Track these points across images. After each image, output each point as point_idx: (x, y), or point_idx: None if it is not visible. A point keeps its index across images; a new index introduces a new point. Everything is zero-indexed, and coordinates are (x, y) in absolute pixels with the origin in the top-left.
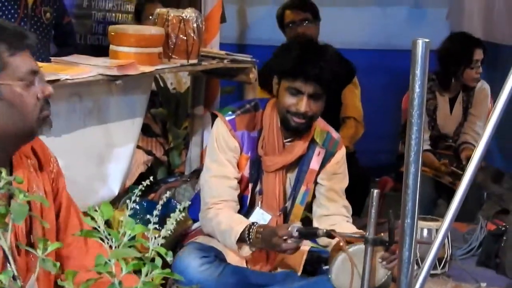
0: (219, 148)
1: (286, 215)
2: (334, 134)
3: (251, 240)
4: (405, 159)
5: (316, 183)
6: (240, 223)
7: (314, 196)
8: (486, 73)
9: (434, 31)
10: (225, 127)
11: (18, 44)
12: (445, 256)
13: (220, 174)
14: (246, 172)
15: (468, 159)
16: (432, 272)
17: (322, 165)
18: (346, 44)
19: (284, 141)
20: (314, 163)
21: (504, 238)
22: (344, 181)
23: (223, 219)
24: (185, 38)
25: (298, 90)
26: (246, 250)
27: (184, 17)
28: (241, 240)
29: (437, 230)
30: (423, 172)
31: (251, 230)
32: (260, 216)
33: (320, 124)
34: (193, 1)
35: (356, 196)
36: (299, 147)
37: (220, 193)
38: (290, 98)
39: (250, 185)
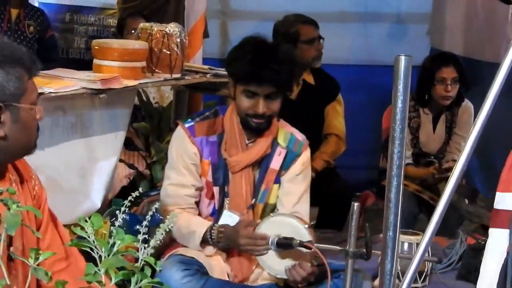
0: (178, 156)
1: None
2: (299, 135)
3: (214, 241)
4: (387, 173)
5: (279, 184)
6: (200, 226)
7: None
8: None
9: (415, 47)
10: (184, 133)
11: (33, 69)
12: (425, 270)
13: (177, 182)
14: (210, 177)
15: (448, 171)
16: (412, 285)
17: (286, 166)
18: (327, 60)
19: (247, 142)
20: (275, 163)
21: (484, 252)
22: (304, 183)
23: (182, 223)
24: (168, 52)
25: (253, 92)
26: (210, 249)
27: (168, 31)
28: (204, 241)
29: (417, 244)
30: (405, 187)
31: (212, 231)
32: (229, 218)
33: (284, 127)
34: (176, 16)
35: (337, 210)
36: (261, 145)
37: (177, 201)
38: (247, 101)
39: (216, 189)
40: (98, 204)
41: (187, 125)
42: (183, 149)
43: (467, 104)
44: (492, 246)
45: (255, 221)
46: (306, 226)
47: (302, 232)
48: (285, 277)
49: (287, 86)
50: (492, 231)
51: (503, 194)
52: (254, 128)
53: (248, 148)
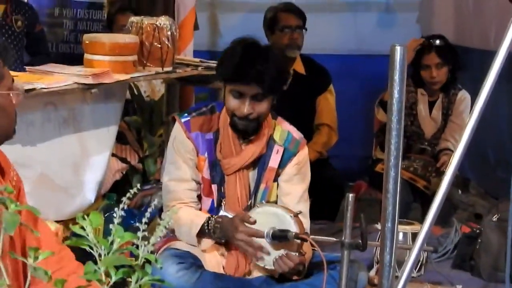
0: (176, 150)
1: None
2: (296, 134)
3: (210, 231)
4: (385, 163)
5: (278, 183)
6: (200, 217)
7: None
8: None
9: (405, 35)
10: (181, 128)
11: (8, 57)
12: (421, 259)
13: (177, 177)
14: (206, 174)
15: (443, 165)
16: None
17: (283, 164)
18: (317, 50)
19: (241, 142)
20: (273, 161)
21: (479, 240)
22: (303, 183)
23: (182, 215)
24: (159, 46)
25: (240, 92)
26: (206, 243)
27: (158, 25)
28: (202, 232)
29: (412, 234)
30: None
31: (210, 222)
32: None
33: (282, 124)
34: (167, 9)
35: (330, 200)
36: (256, 147)
37: (179, 196)
38: (234, 101)
39: (214, 187)
40: (91, 199)
41: (183, 120)
42: (181, 143)
43: (464, 94)
44: None
45: (249, 215)
46: (292, 215)
47: (287, 222)
48: (273, 268)
49: (273, 88)
50: None
51: None
52: (241, 130)
53: (242, 150)
